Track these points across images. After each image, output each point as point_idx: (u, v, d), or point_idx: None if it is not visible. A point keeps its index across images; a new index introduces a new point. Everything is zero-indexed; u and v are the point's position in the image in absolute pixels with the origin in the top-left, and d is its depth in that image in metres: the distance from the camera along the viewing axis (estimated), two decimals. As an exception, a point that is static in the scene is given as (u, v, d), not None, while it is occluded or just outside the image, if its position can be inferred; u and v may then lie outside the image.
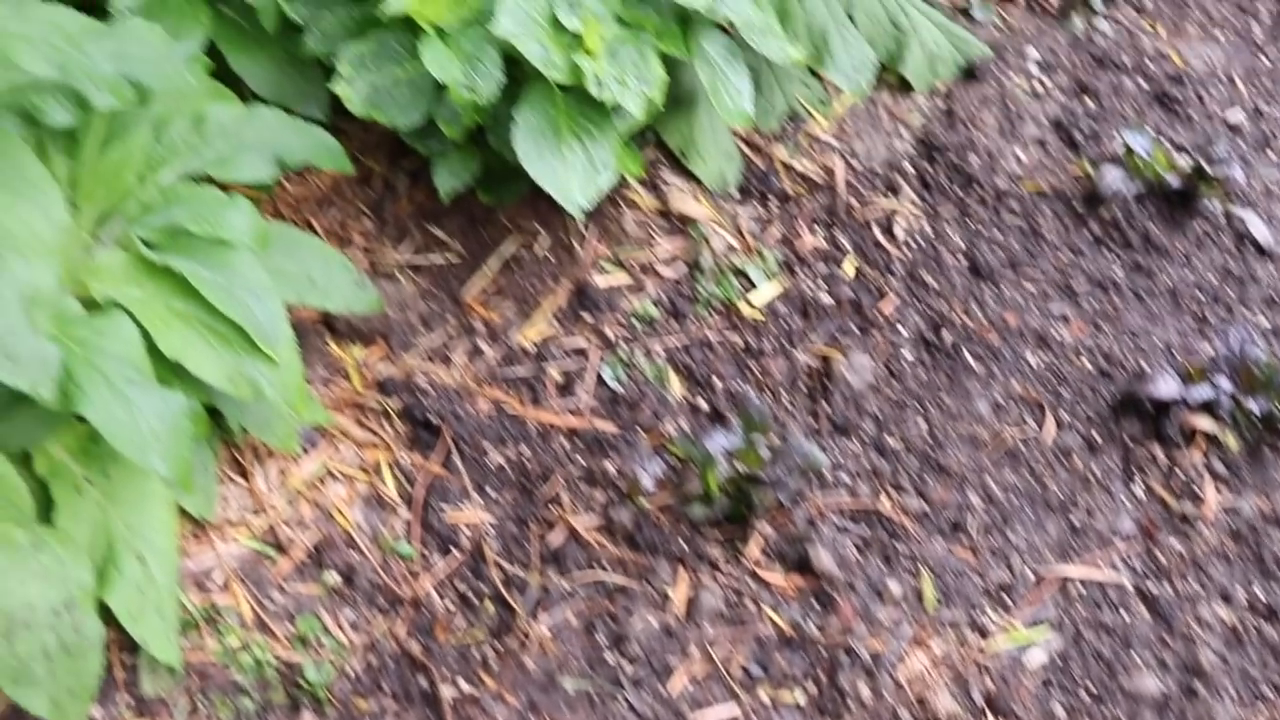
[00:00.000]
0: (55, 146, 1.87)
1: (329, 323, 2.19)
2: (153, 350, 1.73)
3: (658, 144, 2.48)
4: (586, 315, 2.26)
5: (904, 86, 2.71)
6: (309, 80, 2.32)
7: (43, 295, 1.60)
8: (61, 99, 1.70)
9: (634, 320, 2.26)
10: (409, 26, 2.07)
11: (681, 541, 1.97)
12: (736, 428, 2.00)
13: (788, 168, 2.54)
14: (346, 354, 2.17)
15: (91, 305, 1.77)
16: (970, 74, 2.75)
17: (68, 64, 1.60)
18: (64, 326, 1.65)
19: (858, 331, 2.29)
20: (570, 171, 2.07)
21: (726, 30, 2.30)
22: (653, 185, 2.44)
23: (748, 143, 2.55)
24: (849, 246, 2.42)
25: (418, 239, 2.32)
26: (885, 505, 2.05)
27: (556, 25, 2.04)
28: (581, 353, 2.21)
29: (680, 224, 2.41)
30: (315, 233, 2.30)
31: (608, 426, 2.11)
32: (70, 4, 1.86)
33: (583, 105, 2.09)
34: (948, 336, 2.27)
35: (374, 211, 2.34)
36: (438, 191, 2.24)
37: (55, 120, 1.71)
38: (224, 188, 1.95)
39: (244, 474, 1.98)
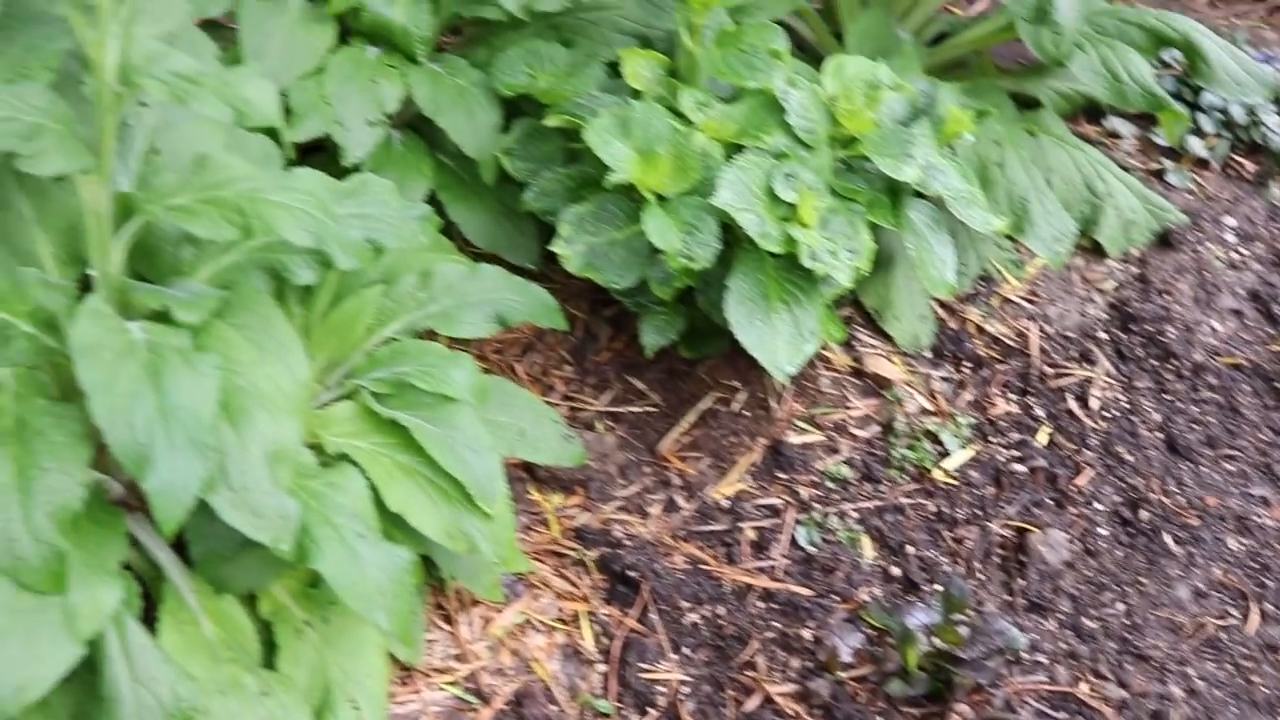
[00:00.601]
0: (291, 297, 1.96)
1: (530, 468, 2.24)
2: (377, 502, 1.80)
3: (853, 302, 2.52)
4: (780, 473, 2.28)
5: (1097, 251, 2.72)
6: (521, 230, 2.41)
7: (286, 451, 1.67)
8: (308, 259, 1.79)
9: (827, 480, 2.28)
10: (628, 192, 2.14)
11: (879, 718, 1.97)
12: (934, 603, 2.01)
13: (980, 330, 2.56)
14: (546, 501, 2.22)
15: (319, 451, 1.85)
16: (1165, 241, 2.75)
17: (322, 232, 1.68)
18: (300, 479, 1.72)
19: (1053, 505, 2.28)
20: (778, 338, 2.11)
21: (929, 198, 2.34)
22: (847, 344, 2.47)
23: (941, 303, 2.58)
24: (1042, 415, 2.42)
25: (617, 388, 2.38)
26: (1084, 691, 2.03)
27: (772, 196, 2.09)
28: (775, 511, 2.24)
29: (874, 384, 2.43)
30: (517, 377, 2.37)
31: (802, 590, 2.13)
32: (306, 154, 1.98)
33: (792, 273, 2.13)
34: (1145, 516, 2.26)
35: (575, 359, 2.41)
36: (638, 342, 2.29)
37: (300, 279, 1.80)
38: (440, 340, 2.03)
39: (448, 620, 2.03)
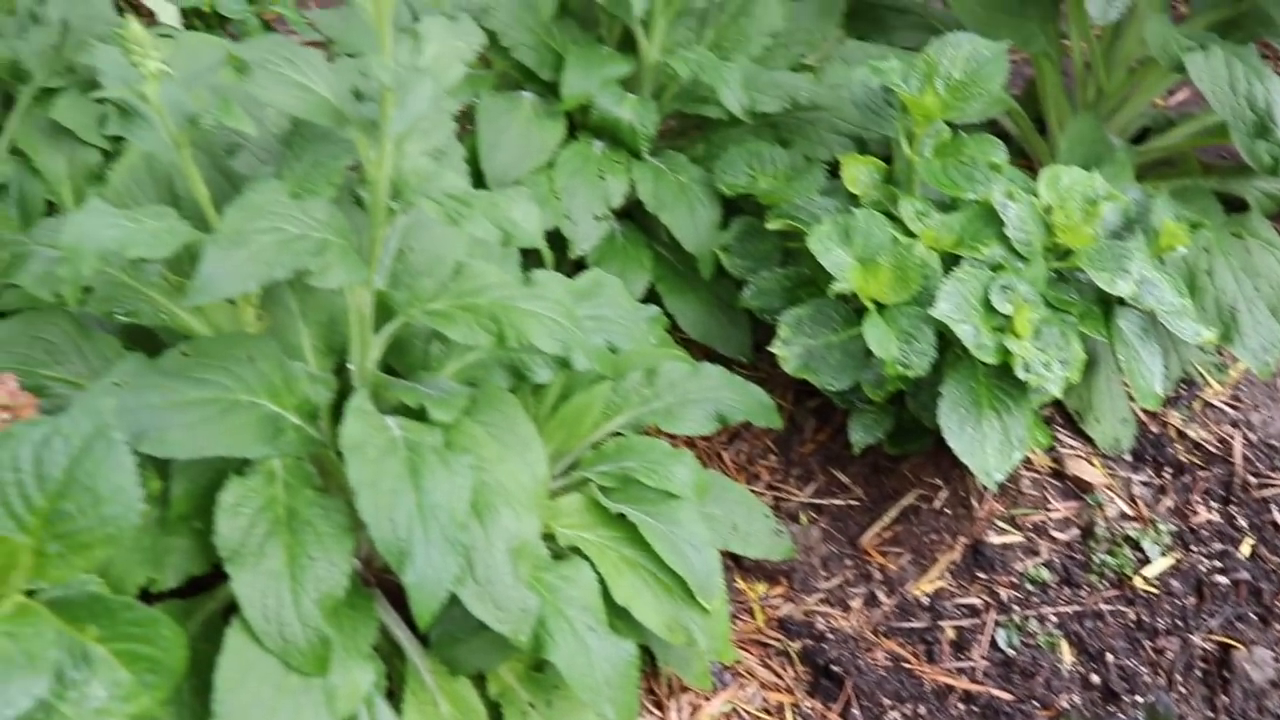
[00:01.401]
0: (523, 389, 2.07)
1: (735, 556, 2.31)
2: (603, 594, 1.89)
3: (1054, 403, 2.55)
4: (980, 573, 2.33)
5: (1303, 357, 2.71)
6: (734, 323, 2.49)
7: (527, 546, 1.77)
8: (548, 359, 1.89)
9: (1027, 582, 2.32)
10: (846, 297, 2.21)
11: (1081, 831, 2.01)
12: (1137, 715, 2.03)
13: (1182, 435, 2.57)
14: (751, 590, 2.29)
15: (550, 540, 1.94)
16: (1373, 349, 2.73)
17: (569, 340, 1.77)
18: (535, 571, 1.82)
19: (1257, 620, 2.28)
20: (987, 445, 2.16)
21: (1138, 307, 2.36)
22: (1048, 445, 2.50)
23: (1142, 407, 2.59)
24: (1246, 526, 2.43)
25: (820, 480, 2.44)
26: (1288, 816, 2.04)
27: (988, 307, 2.14)
28: (975, 611, 2.28)
29: (1074, 487, 2.46)
30: (724, 464, 2.45)
31: (1003, 694, 2.17)
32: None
33: (1003, 381, 2.18)
34: (1353, 637, 2.25)
35: (780, 449, 2.48)
36: (842, 435, 2.36)
37: (538, 378, 1.90)
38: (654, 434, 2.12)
39: (659, 705, 2.11)
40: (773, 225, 2.32)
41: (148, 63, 1.58)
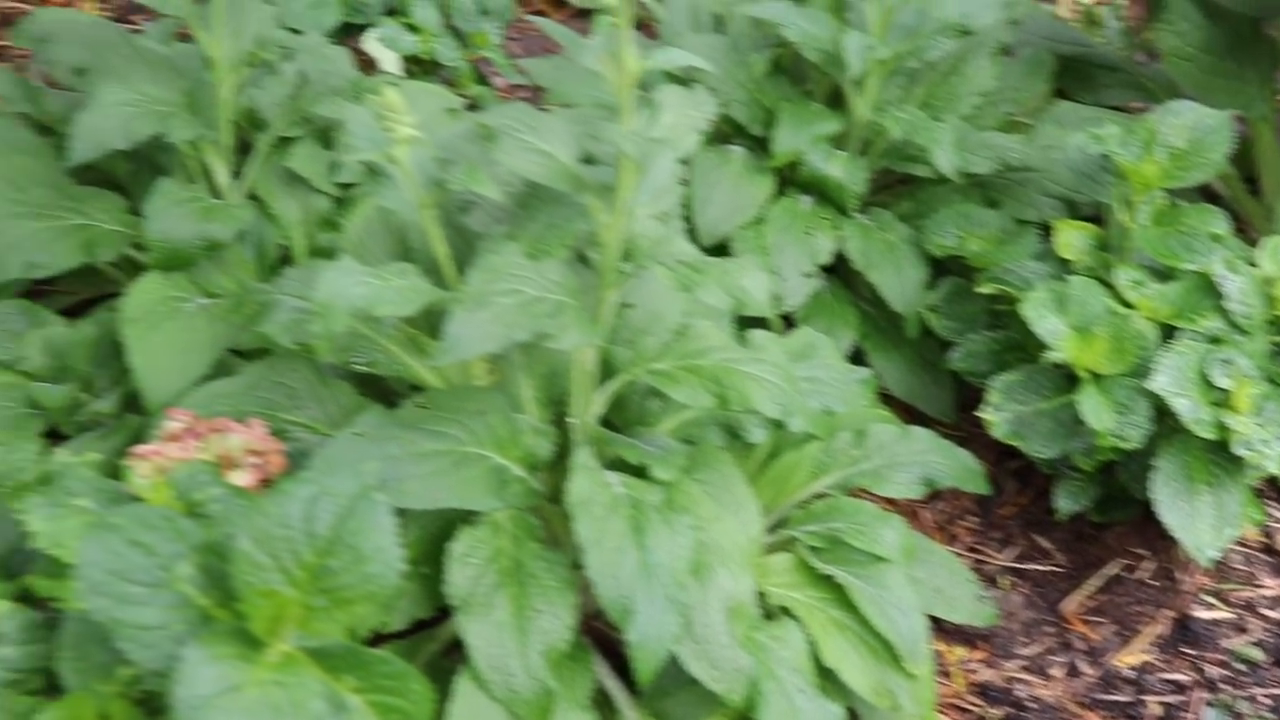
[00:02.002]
0: (732, 446, 2.10)
1: (935, 620, 2.31)
2: (812, 656, 1.90)
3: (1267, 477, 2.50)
4: (1186, 648, 2.29)
5: None
6: (938, 383, 2.49)
7: (741, 606, 1.80)
8: (763, 420, 1.92)
9: (1236, 661, 2.27)
10: (1058, 365, 2.20)
11: None
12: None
13: (1399, 513, 2.50)
14: (950, 653, 2.28)
15: (760, 598, 1.96)
16: None
17: (788, 404, 1.79)
18: (747, 630, 1.84)
19: None
20: (1201, 521, 2.12)
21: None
22: (1261, 522, 2.44)
23: (1357, 482, 2.53)
24: None
25: (1021, 545, 2.42)
26: None
27: (1206, 382, 2.11)
28: (1181, 688, 2.24)
29: (1285, 563, 2.41)
30: (921, 522, 2.44)
31: (1210, 775, 2.13)
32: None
33: (1218, 456, 2.15)
34: None
35: (980, 510, 2.47)
36: (1044, 499, 2.34)
37: (753, 438, 1.93)
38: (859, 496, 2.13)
39: (857, 766, 2.11)
40: (983, 289, 2.31)
41: (399, 128, 1.64)
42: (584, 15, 3.88)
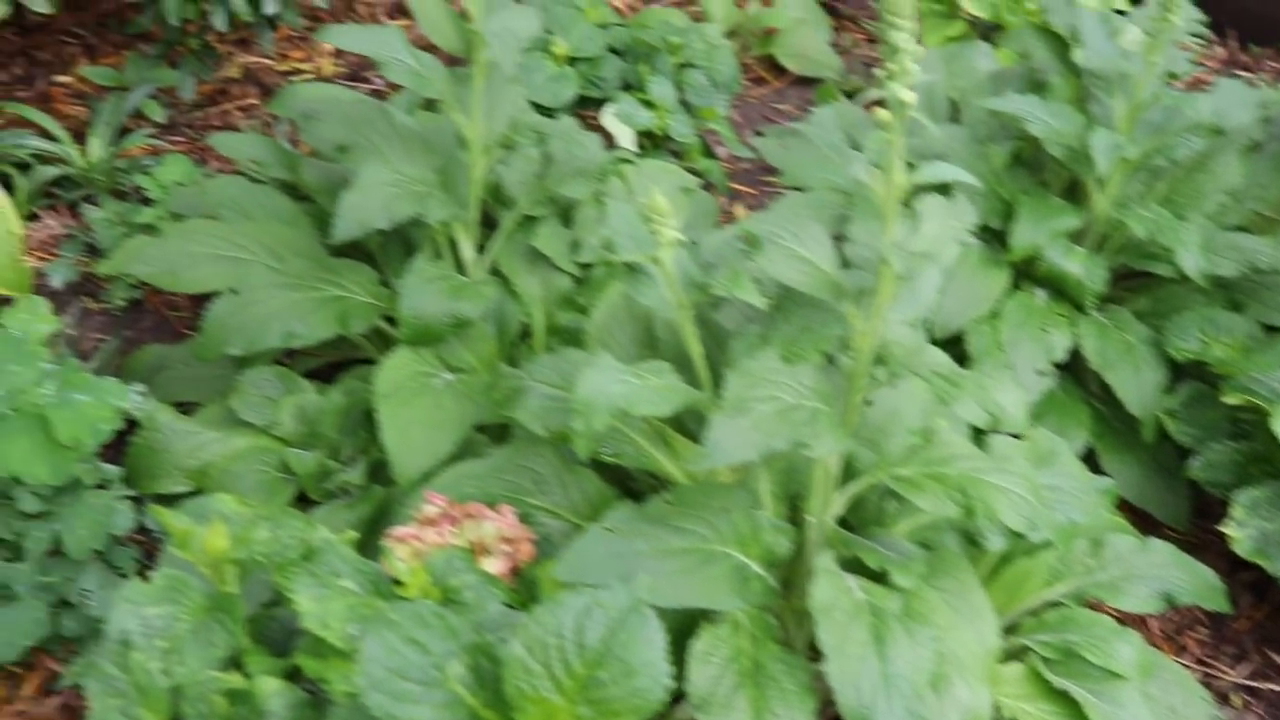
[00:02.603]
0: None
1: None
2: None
3: None
4: None
5: None
6: (1171, 489, 2.43)
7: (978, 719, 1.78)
8: (1005, 531, 1.89)
9: None
10: (1309, 481, 2.14)
11: None
12: None
13: None
14: (1175, 770, 2.22)
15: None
16: None
17: (1034, 517, 1.77)
18: (981, 742, 1.82)
19: None
20: None
21: None
22: None
23: None
24: None
25: (1255, 661, 2.35)
26: None
27: None
28: None
29: None
30: (1149, 631, 2.38)
31: None
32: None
33: None
34: None
35: (1211, 621, 2.40)
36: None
37: (991, 545, 1.89)
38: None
39: None
40: (1229, 399, 2.25)
41: (665, 231, 1.68)
42: (803, 83, 3.90)
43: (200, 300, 2.61)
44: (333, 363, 2.43)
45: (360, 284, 2.25)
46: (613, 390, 1.66)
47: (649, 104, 2.90)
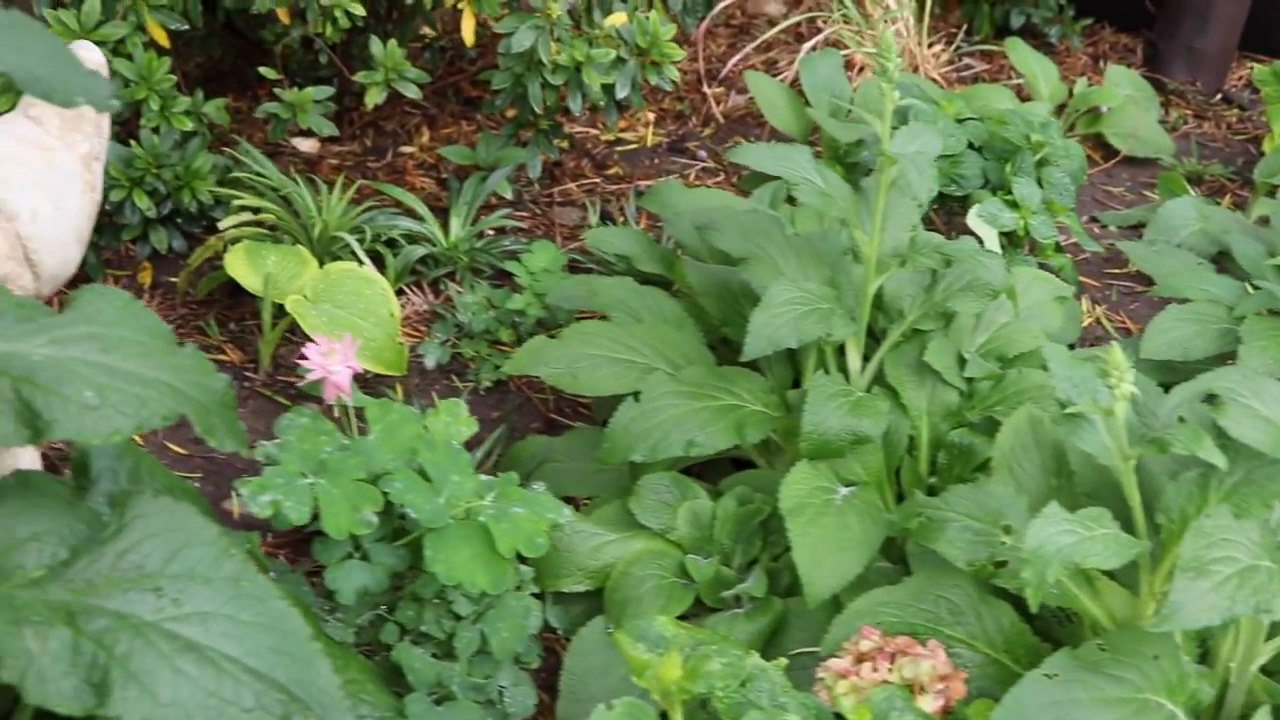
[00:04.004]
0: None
1: None
2: None
3: None
4: None
5: None
6: None
7: None
8: None
9: None
10: None
11: None
12: None
13: None
14: None
15: None
16: None
17: None
18: None
19: None
20: None
21: None
22: None
23: None
24: None
25: None
26: None
27: None
28: None
29: None
30: None
31: None
32: None
33: None
34: None
35: None
36: None
37: None
38: None
39: None
40: None
41: (1122, 385, 1.68)
42: (1132, 163, 3.84)
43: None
44: (703, 462, 2.48)
45: (752, 392, 2.30)
46: (1062, 541, 1.66)
47: (1013, 204, 2.89)
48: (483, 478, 2.00)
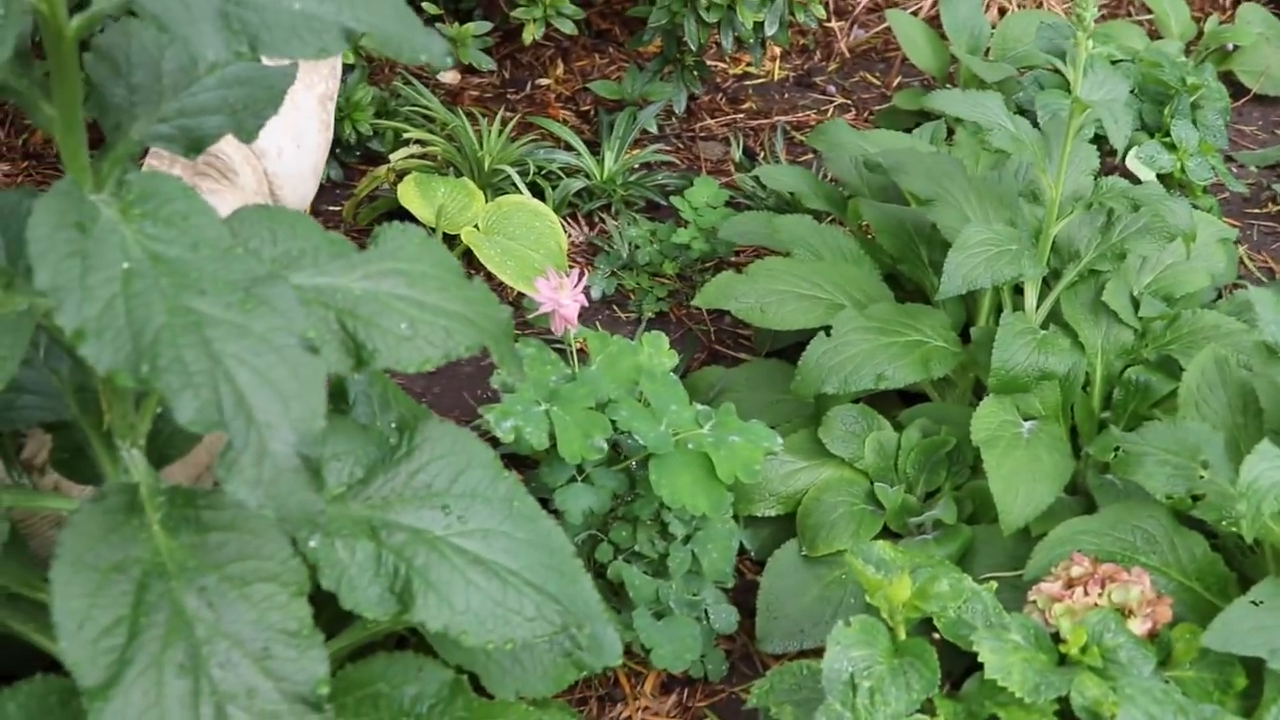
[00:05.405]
0: None
1: None
2: None
3: None
4: None
5: None
6: None
7: None
8: None
9: None
10: None
11: None
12: None
13: None
14: None
15: None
16: None
17: None
18: None
19: None
20: None
21: None
22: None
23: None
24: None
25: None
26: None
27: None
28: None
29: None
30: None
31: None
32: None
33: None
34: None
35: None
36: None
37: None
38: None
39: None
40: None
41: (1338, 330, 1.76)
42: (1262, 101, 3.86)
43: (718, 315, 2.83)
44: (876, 394, 2.58)
45: (935, 329, 2.40)
46: (1275, 476, 1.76)
47: (1170, 146, 2.95)
48: (699, 406, 2.11)
